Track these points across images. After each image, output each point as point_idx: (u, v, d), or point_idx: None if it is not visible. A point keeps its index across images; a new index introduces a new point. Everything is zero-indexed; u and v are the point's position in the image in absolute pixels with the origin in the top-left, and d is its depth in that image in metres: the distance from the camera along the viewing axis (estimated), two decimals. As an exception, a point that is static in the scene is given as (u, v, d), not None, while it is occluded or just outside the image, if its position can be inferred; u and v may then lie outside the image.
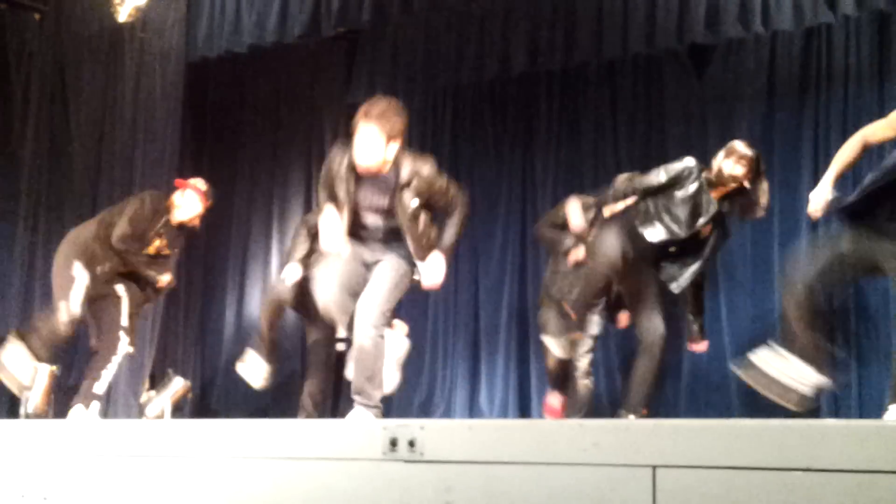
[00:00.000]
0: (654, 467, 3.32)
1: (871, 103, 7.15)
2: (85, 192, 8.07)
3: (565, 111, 8.44)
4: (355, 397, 4.89)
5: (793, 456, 3.14)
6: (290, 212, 9.09)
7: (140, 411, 7.66)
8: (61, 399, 7.41)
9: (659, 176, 5.57)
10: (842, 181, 4.96)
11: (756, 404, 6.88)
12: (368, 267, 4.98)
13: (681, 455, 3.31)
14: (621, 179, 5.78)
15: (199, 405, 8.60)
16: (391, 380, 5.67)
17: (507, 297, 8.41)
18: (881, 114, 7.00)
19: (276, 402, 8.34)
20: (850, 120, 7.26)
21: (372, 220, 4.94)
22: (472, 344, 8.55)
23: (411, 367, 8.53)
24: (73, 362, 7.73)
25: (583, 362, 6.63)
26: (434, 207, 4.97)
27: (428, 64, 8.41)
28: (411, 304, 7.80)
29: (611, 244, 5.61)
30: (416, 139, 9.08)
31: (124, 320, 6.49)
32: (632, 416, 5.45)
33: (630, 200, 5.64)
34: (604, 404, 7.38)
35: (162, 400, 7.65)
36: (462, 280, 8.63)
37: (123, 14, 7.83)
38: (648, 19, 7.08)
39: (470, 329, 8.56)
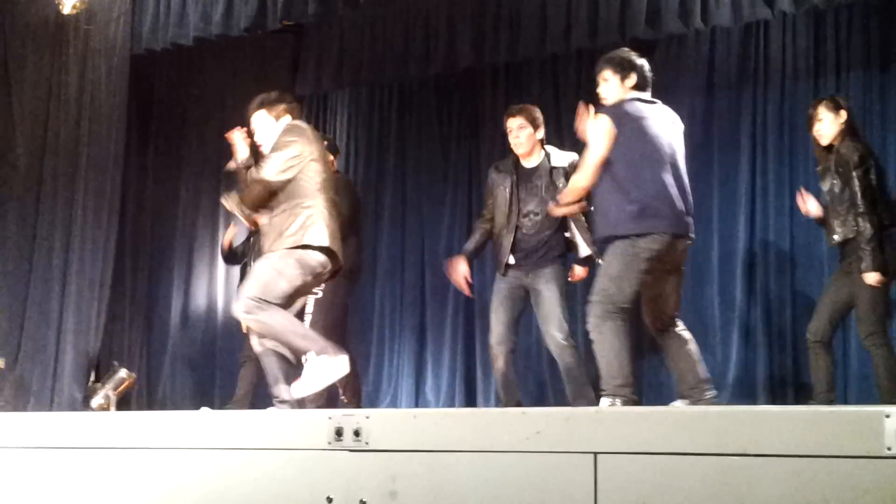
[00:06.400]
0: (596, 454, 3.38)
1: (807, 97, 7.27)
2: (28, 184, 8.00)
3: (510, 104, 8.47)
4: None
5: (729, 442, 3.21)
6: (237, 204, 9.06)
7: (85, 403, 7.63)
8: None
9: None
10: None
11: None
12: None
13: (621, 442, 3.37)
14: None
15: (144, 397, 8.57)
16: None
17: (453, 289, 8.44)
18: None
19: (222, 393, 8.34)
20: (786, 114, 7.40)
21: None
22: (418, 334, 8.60)
23: (358, 357, 8.58)
24: (17, 355, 7.70)
25: None
26: None
27: (374, 57, 8.44)
28: (357, 296, 7.86)
29: None
30: (363, 133, 9.13)
31: None
32: None
33: None
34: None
35: (107, 392, 7.63)
36: (409, 272, 8.68)
37: (68, 6, 7.76)
38: (591, 15, 7.17)
39: (416, 320, 8.61)
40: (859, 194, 5.82)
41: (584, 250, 6.11)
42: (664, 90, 7.84)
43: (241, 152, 5.38)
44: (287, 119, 5.54)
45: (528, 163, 6.31)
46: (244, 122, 8.85)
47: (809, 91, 7.27)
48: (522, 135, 6.26)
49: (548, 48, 7.62)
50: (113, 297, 8.20)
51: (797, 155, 7.28)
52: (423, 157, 8.76)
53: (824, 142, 6.06)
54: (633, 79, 5.41)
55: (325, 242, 5.23)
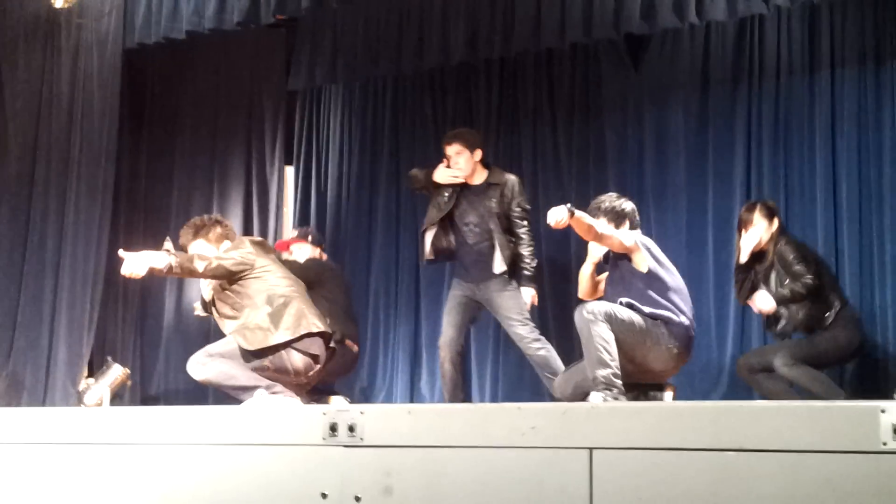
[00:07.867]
0: (591, 449, 3.38)
1: (802, 93, 7.28)
2: (21, 180, 7.99)
3: (504, 100, 8.48)
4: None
5: (725, 437, 3.22)
6: (230, 200, 9.05)
7: (78, 399, 7.61)
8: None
9: None
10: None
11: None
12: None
13: (617, 437, 3.38)
14: None
15: (138, 392, 8.55)
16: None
17: (448, 284, 8.44)
18: (811, 103, 7.21)
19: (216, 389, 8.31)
20: (781, 109, 7.39)
21: None
22: (412, 330, 8.58)
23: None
24: (10, 351, 7.69)
25: None
26: None
27: (367, 52, 8.41)
28: (353, 291, 7.86)
29: None
30: (356, 127, 9.11)
31: None
32: None
33: None
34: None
35: (101, 387, 7.61)
36: (403, 268, 8.66)
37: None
38: (585, 10, 7.15)
39: (411, 315, 8.59)
40: (804, 290, 6.06)
41: (499, 267, 6.49)
42: (659, 85, 7.90)
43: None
44: (227, 244, 5.61)
45: (472, 181, 6.69)
46: (239, 121, 8.87)
47: (804, 86, 7.28)
48: (461, 160, 6.65)
49: (542, 43, 7.60)
50: (106, 293, 8.19)
51: (792, 150, 7.28)
52: (416, 152, 8.73)
53: (758, 248, 6.28)
54: (626, 225, 5.82)
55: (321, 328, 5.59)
